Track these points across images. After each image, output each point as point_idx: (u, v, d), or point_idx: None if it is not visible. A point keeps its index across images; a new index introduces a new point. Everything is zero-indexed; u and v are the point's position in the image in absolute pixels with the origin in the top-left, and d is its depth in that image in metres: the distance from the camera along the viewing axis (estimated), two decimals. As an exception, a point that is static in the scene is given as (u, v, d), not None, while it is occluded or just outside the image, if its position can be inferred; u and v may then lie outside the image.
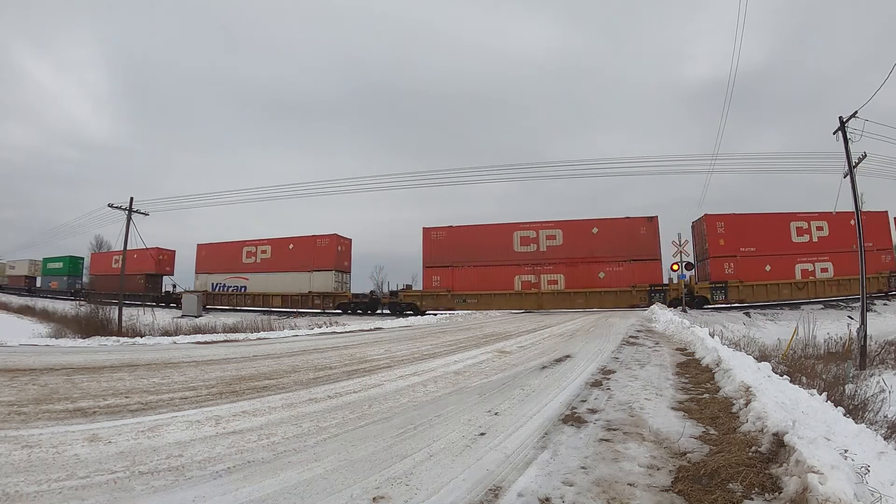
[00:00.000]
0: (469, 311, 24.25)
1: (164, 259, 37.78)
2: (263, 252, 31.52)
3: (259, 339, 10.77)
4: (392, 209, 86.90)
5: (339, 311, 27.54)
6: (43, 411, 3.62)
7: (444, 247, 26.54)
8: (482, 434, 3.26)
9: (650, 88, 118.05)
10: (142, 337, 11.50)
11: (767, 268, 23.44)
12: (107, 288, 37.34)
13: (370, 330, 13.92)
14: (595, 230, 25.17)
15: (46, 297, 40.70)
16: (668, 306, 20.95)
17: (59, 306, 32.53)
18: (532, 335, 10.98)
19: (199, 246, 34.93)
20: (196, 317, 27.22)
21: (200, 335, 11.43)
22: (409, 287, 28.07)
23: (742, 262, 23.43)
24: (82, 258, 48.02)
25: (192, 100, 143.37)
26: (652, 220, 24.64)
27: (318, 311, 27.78)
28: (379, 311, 27.16)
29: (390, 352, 7.99)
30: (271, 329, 16.56)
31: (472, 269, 25.90)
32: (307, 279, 28.93)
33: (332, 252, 29.03)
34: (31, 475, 2.37)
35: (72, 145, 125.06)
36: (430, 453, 2.86)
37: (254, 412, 3.81)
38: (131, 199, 22.99)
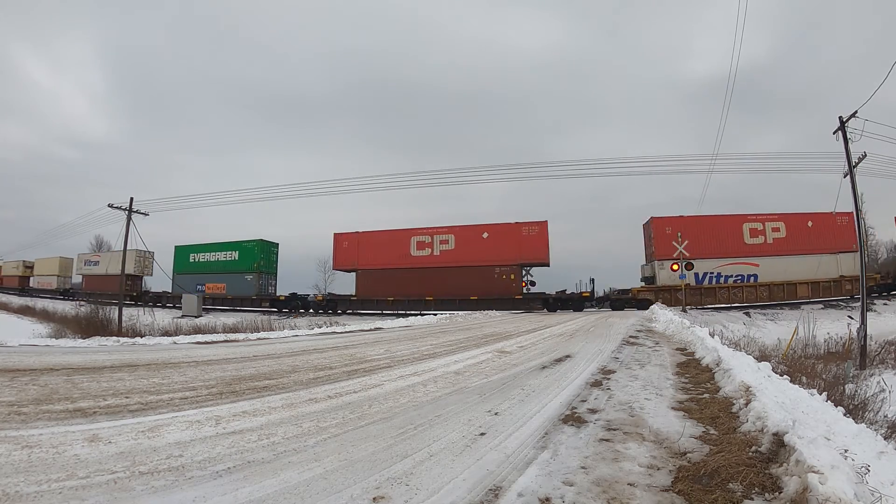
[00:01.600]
0: (469, 312, 23.77)
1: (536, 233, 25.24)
2: (776, 230, 24.33)
3: (259, 339, 10.78)
4: (391, 209, 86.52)
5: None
6: (43, 411, 3.62)
7: None
8: (482, 434, 3.26)
9: (652, 87, 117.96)
10: (142, 337, 11.50)
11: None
12: (392, 289, 24.89)
13: (370, 330, 13.93)
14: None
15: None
16: None
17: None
18: (532, 335, 10.98)
19: (655, 221, 25.08)
20: (196, 317, 27.19)
21: (200, 335, 11.44)
22: None
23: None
24: (276, 244, 31.21)
25: (193, 99, 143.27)
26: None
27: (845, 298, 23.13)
28: None
29: (390, 352, 7.99)
30: (271, 329, 16.58)
31: None
32: (834, 262, 24.11)
33: (851, 230, 23.66)
34: (31, 475, 2.36)
35: (71, 145, 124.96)
36: (430, 453, 2.86)
37: (254, 412, 3.81)
38: (131, 199, 22.99)
